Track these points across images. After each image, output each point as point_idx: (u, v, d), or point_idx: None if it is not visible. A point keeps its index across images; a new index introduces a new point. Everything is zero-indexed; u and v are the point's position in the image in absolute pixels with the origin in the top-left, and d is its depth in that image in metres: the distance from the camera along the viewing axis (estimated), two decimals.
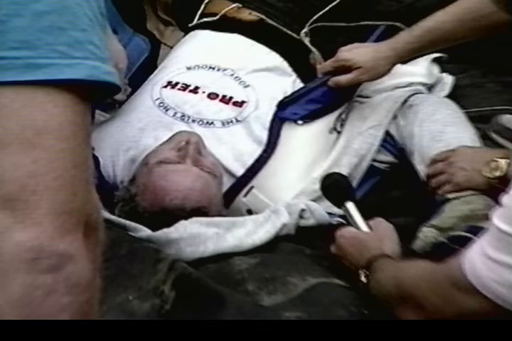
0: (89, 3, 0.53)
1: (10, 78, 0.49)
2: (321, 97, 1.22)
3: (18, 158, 0.49)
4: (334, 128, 1.23)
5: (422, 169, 1.13)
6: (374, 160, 1.22)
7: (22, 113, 0.50)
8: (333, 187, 1.04)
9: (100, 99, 0.54)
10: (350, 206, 0.99)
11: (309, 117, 1.21)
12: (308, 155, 1.20)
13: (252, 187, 1.16)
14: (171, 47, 1.40)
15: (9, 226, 0.49)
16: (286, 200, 1.12)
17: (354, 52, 1.19)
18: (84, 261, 0.51)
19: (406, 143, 1.19)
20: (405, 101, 1.23)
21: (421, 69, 1.32)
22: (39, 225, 0.49)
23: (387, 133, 1.22)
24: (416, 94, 1.25)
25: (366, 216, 0.99)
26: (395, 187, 1.20)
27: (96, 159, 1.16)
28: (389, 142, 1.22)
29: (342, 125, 1.24)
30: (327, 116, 1.23)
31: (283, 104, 1.22)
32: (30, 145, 0.50)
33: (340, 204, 1.01)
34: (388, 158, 1.22)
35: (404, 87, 1.29)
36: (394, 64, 1.18)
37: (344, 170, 1.18)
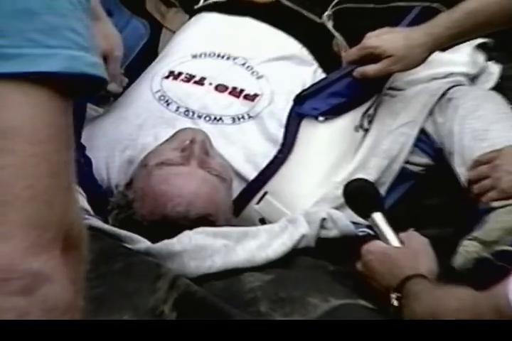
0: None
1: None
2: (346, 90, 1.22)
3: None
4: (361, 126, 1.22)
5: (462, 172, 1.13)
6: (407, 162, 1.22)
7: None
8: (358, 194, 1.04)
9: (84, 94, 0.53)
10: (378, 217, 0.99)
11: (332, 113, 1.21)
12: (330, 156, 1.19)
13: (265, 193, 1.16)
14: (174, 32, 1.40)
15: None
16: (304, 208, 1.11)
17: (384, 39, 1.18)
18: (63, 281, 0.50)
19: (444, 143, 1.19)
20: (444, 94, 1.23)
21: (463, 57, 1.31)
22: (9, 241, 0.48)
23: (423, 132, 1.22)
24: (456, 86, 1.25)
25: (397, 227, 0.99)
26: (431, 193, 1.20)
27: (88, 160, 1.16)
28: (424, 141, 1.22)
29: (370, 122, 1.23)
30: (352, 111, 1.22)
31: (301, 98, 1.21)
32: None
33: (366, 214, 1.00)
34: (423, 159, 1.22)
35: (443, 77, 1.29)
36: (431, 52, 1.17)
37: (372, 174, 1.17)
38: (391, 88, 1.28)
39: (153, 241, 1.00)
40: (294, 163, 1.17)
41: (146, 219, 1.05)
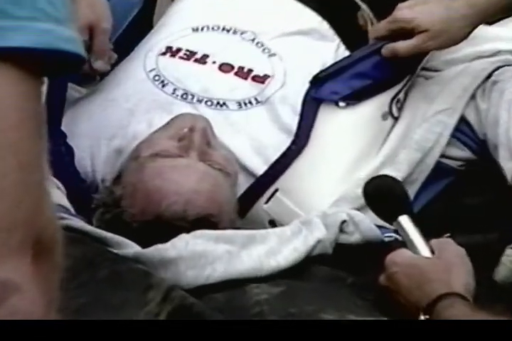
0: None
1: None
2: (372, 70, 1.22)
3: None
4: (390, 113, 1.23)
5: (509, 168, 1.14)
6: (443, 155, 1.22)
7: None
8: (381, 194, 1.04)
9: (58, 73, 0.54)
10: (405, 221, 0.99)
11: (355, 97, 1.21)
12: (352, 148, 1.21)
13: (276, 191, 1.18)
14: (172, 0, 1.41)
15: None
16: (321, 208, 1.13)
17: (418, 10, 1.19)
18: (33, 291, 0.50)
19: (488, 134, 1.20)
20: (489, 76, 1.23)
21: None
22: None
23: (463, 120, 1.23)
24: (504, 66, 1.25)
25: (430, 233, 1.00)
26: (472, 192, 1.21)
27: (69, 149, 1.18)
28: (464, 132, 1.23)
29: (400, 108, 1.24)
30: (379, 95, 1.23)
31: (319, 80, 1.22)
32: None
33: (391, 218, 1.01)
34: (463, 153, 1.23)
35: (489, 56, 1.29)
36: (474, 26, 1.18)
37: (401, 169, 1.18)
38: (426, 69, 1.29)
39: (144, 245, 1.01)
40: (310, 156, 1.18)
41: (136, 220, 1.06)
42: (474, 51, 1.28)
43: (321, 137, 1.19)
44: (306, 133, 1.18)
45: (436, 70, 1.30)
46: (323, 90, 1.20)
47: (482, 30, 1.23)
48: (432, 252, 0.96)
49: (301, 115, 1.19)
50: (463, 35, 1.18)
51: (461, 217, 1.17)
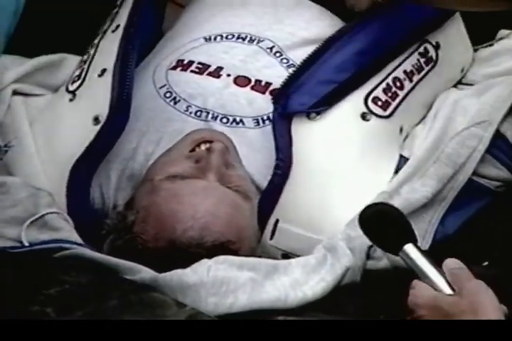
0: None
1: None
2: (334, 74, 1.21)
3: None
4: (370, 112, 1.23)
5: None
6: (478, 174, 1.23)
7: None
8: (382, 223, 1.01)
9: None
10: (412, 250, 0.97)
11: (324, 104, 1.20)
12: (344, 157, 1.20)
13: (277, 222, 1.17)
14: (183, 7, 1.43)
15: None
16: (337, 227, 1.13)
17: None
18: None
19: None
20: None
21: None
22: None
23: (500, 136, 1.24)
24: None
25: (463, 259, 0.98)
26: (506, 217, 1.21)
27: None
28: (501, 148, 1.24)
29: (381, 106, 1.23)
30: (349, 97, 1.23)
31: (282, 96, 1.20)
32: None
33: (395, 248, 0.98)
34: (500, 172, 1.24)
35: None
36: None
37: (430, 184, 1.19)
38: (465, 83, 1.31)
39: (160, 271, 1.02)
40: (301, 176, 1.17)
41: (149, 247, 1.07)
42: None
43: (304, 155, 1.19)
44: (287, 155, 1.18)
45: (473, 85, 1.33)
46: (290, 104, 1.20)
47: None
48: (452, 289, 0.95)
49: (275, 136, 1.18)
50: None
51: (496, 244, 1.17)
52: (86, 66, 1.27)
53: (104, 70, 1.23)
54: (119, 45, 1.24)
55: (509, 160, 1.24)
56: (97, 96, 1.20)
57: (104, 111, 1.18)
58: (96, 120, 1.18)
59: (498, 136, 1.24)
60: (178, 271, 1.02)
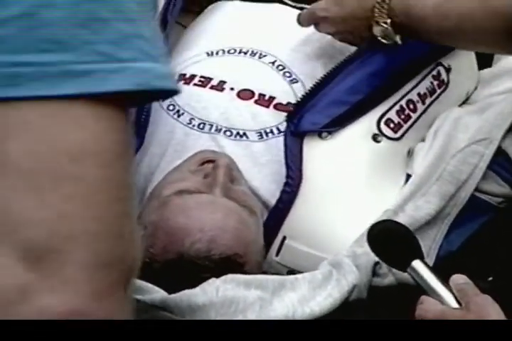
0: None
1: (39, 92, 0.54)
2: (346, 96, 1.24)
3: (47, 194, 0.54)
4: (382, 134, 1.25)
5: None
6: (479, 190, 1.25)
7: (54, 132, 0.55)
8: (389, 239, 1.04)
9: (144, 103, 0.60)
10: (420, 266, 1.00)
11: (336, 124, 1.24)
12: (353, 177, 1.22)
13: (284, 239, 1.20)
14: (185, 27, 1.44)
15: (31, 284, 0.54)
16: (343, 246, 1.15)
17: None
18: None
19: None
20: None
21: None
22: (72, 284, 0.54)
23: (503, 153, 1.26)
24: None
25: (467, 275, 1.00)
26: (509, 233, 1.22)
27: None
28: (502, 165, 1.26)
29: (392, 129, 1.26)
30: (362, 118, 1.25)
31: (296, 115, 1.23)
32: (64, 175, 0.54)
33: (403, 264, 1.01)
34: (503, 189, 1.26)
35: None
36: None
37: (433, 201, 1.20)
38: (468, 103, 1.33)
39: (168, 288, 1.04)
40: (310, 194, 1.20)
41: (158, 260, 1.09)
42: None
43: (313, 173, 1.22)
44: (298, 173, 1.20)
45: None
46: (303, 124, 1.23)
47: None
48: (459, 303, 0.97)
49: (286, 154, 1.21)
50: None
51: (495, 261, 1.18)
52: None
53: None
54: None
55: (511, 177, 1.26)
56: None
57: None
58: None
59: (499, 153, 1.26)
60: (187, 292, 1.04)
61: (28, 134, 0.55)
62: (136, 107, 0.63)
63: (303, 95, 1.26)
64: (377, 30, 1.24)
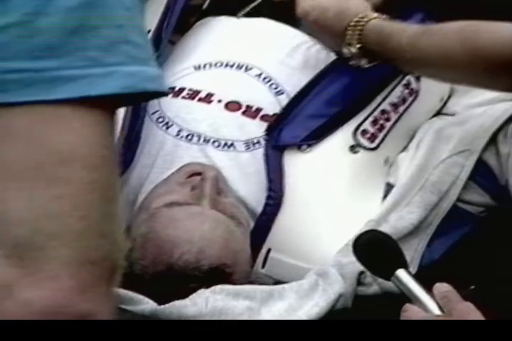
0: None
1: (29, 97, 0.57)
2: (324, 109, 1.28)
3: (36, 194, 0.57)
4: (359, 145, 1.29)
5: None
6: (460, 200, 1.27)
7: (44, 136, 0.57)
8: (374, 249, 1.06)
9: (132, 103, 0.62)
10: (404, 275, 1.01)
11: (315, 137, 1.27)
12: (334, 188, 1.25)
13: (269, 251, 1.22)
14: (173, 43, 1.46)
15: (16, 279, 0.56)
16: (327, 257, 1.17)
17: None
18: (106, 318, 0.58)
19: (510, 180, 1.24)
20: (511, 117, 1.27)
21: None
22: (55, 279, 0.56)
23: (484, 164, 1.28)
24: None
25: (450, 283, 1.01)
26: (493, 241, 1.23)
27: None
28: (483, 175, 1.28)
29: (369, 139, 1.29)
30: (339, 130, 1.29)
31: (275, 128, 1.26)
32: (53, 177, 0.57)
33: (387, 273, 1.02)
34: (483, 198, 1.28)
35: None
36: None
37: (416, 212, 1.23)
38: (447, 114, 1.37)
39: (158, 299, 1.06)
40: (292, 207, 1.22)
41: (148, 272, 1.10)
42: (499, 95, 1.33)
43: (295, 186, 1.24)
44: (279, 186, 1.23)
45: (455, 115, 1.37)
46: (283, 137, 1.27)
47: None
48: (441, 310, 0.98)
49: (267, 167, 1.24)
50: None
51: (482, 268, 1.20)
52: None
53: None
54: None
55: (491, 187, 1.28)
56: None
57: None
58: None
59: (480, 164, 1.28)
60: (177, 303, 1.05)
61: (18, 138, 0.57)
62: (124, 106, 0.65)
63: (282, 108, 1.30)
64: (346, 51, 1.28)
